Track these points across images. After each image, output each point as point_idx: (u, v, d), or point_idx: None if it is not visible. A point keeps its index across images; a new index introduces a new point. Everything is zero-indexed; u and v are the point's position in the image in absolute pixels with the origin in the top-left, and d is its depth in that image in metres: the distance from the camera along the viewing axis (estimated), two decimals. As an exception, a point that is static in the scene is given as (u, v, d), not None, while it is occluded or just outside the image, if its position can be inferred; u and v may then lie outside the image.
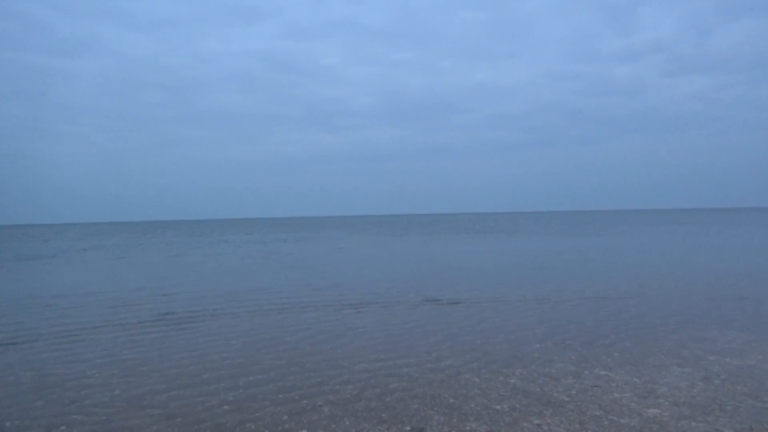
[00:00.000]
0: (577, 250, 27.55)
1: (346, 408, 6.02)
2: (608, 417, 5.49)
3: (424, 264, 23.06)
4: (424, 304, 12.64)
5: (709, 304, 11.61)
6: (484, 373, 7.14)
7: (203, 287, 16.72)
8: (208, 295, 15.04)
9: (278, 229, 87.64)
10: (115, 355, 8.50)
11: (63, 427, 5.66)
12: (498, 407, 5.89)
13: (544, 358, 7.74)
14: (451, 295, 13.84)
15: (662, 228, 54.50)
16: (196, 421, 5.75)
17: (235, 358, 8.15)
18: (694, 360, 7.42)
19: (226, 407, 6.13)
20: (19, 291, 16.98)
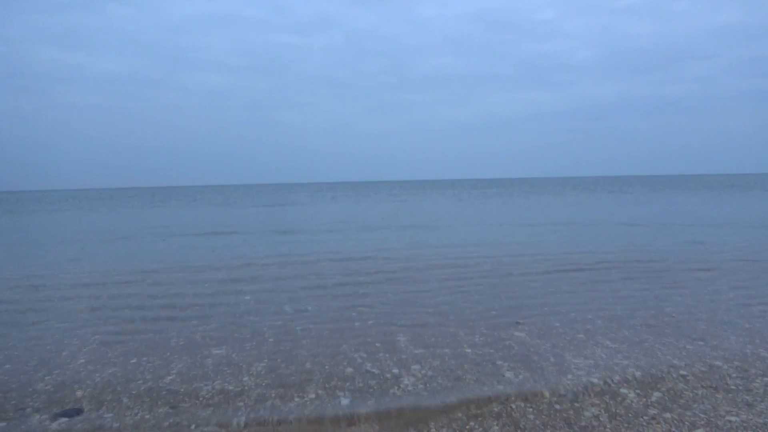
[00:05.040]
0: None
1: (621, 323, 5.79)
2: None
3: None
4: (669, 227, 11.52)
5: None
6: (782, 305, 6.28)
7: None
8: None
9: (503, 189, 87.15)
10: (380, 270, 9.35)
11: (354, 313, 6.38)
12: (812, 336, 5.12)
13: None
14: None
15: None
16: (469, 319, 6.02)
17: (489, 277, 8.38)
18: None
19: (493, 312, 6.32)
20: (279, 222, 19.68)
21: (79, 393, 4.07)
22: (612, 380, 4.10)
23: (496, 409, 3.70)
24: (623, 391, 3.92)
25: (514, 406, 3.73)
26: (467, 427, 3.46)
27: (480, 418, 3.57)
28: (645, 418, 3.50)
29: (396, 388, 4.06)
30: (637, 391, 3.92)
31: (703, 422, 3.43)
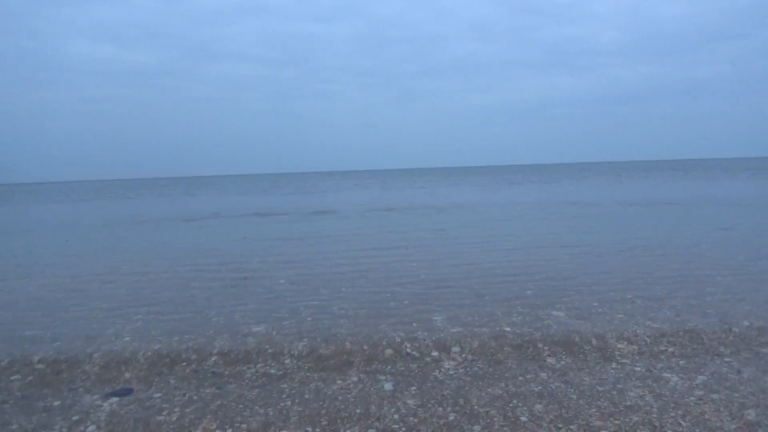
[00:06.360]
0: None
1: (661, 302, 5.70)
2: None
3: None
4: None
5: None
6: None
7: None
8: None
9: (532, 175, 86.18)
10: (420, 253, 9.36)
11: (388, 294, 6.41)
12: None
13: None
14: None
15: None
16: (505, 299, 6.01)
17: (521, 256, 8.32)
18: None
19: (528, 292, 6.29)
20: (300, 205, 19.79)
21: (127, 374, 4.19)
22: (654, 366, 4.05)
23: (536, 389, 3.69)
24: (666, 375, 3.87)
25: (554, 386, 3.72)
26: (510, 405, 3.47)
27: (522, 397, 3.58)
28: (692, 398, 3.46)
29: (437, 371, 4.07)
30: (680, 374, 3.86)
31: (752, 404, 3.38)
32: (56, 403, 3.71)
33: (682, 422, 3.17)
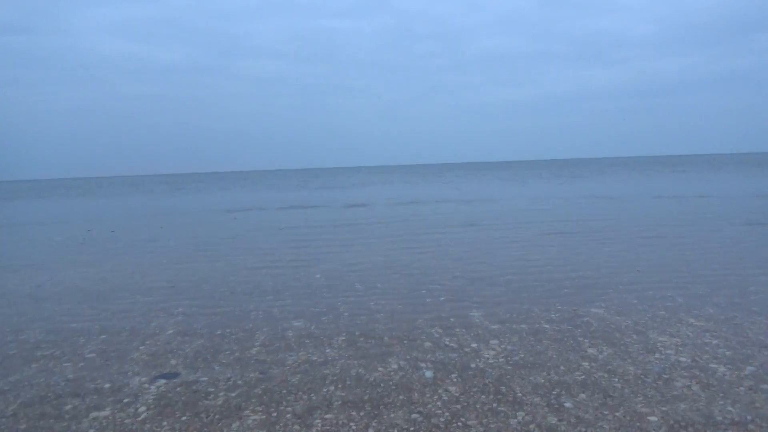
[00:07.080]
0: None
1: (704, 300, 5.61)
2: None
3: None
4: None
5: None
6: None
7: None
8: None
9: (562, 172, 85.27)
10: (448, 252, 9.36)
11: (424, 291, 6.42)
12: None
13: None
14: None
15: None
16: (542, 297, 5.97)
17: (557, 254, 8.25)
18: None
19: (566, 290, 6.25)
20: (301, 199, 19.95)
21: (173, 361, 4.30)
22: (701, 357, 3.99)
23: (580, 378, 3.67)
24: (713, 366, 3.81)
25: (597, 376, 3.70)
26: (553, 392, 3.45)
27: (565, 385, 3.56)
28: (741, 388, 3.40)
29: (477, 360, 4.08)
30: (728, 365, 3.79)
31: (805, 394, 3.30)
32: (107, 385, 3.83)
33: (731, 409, 3.12)
